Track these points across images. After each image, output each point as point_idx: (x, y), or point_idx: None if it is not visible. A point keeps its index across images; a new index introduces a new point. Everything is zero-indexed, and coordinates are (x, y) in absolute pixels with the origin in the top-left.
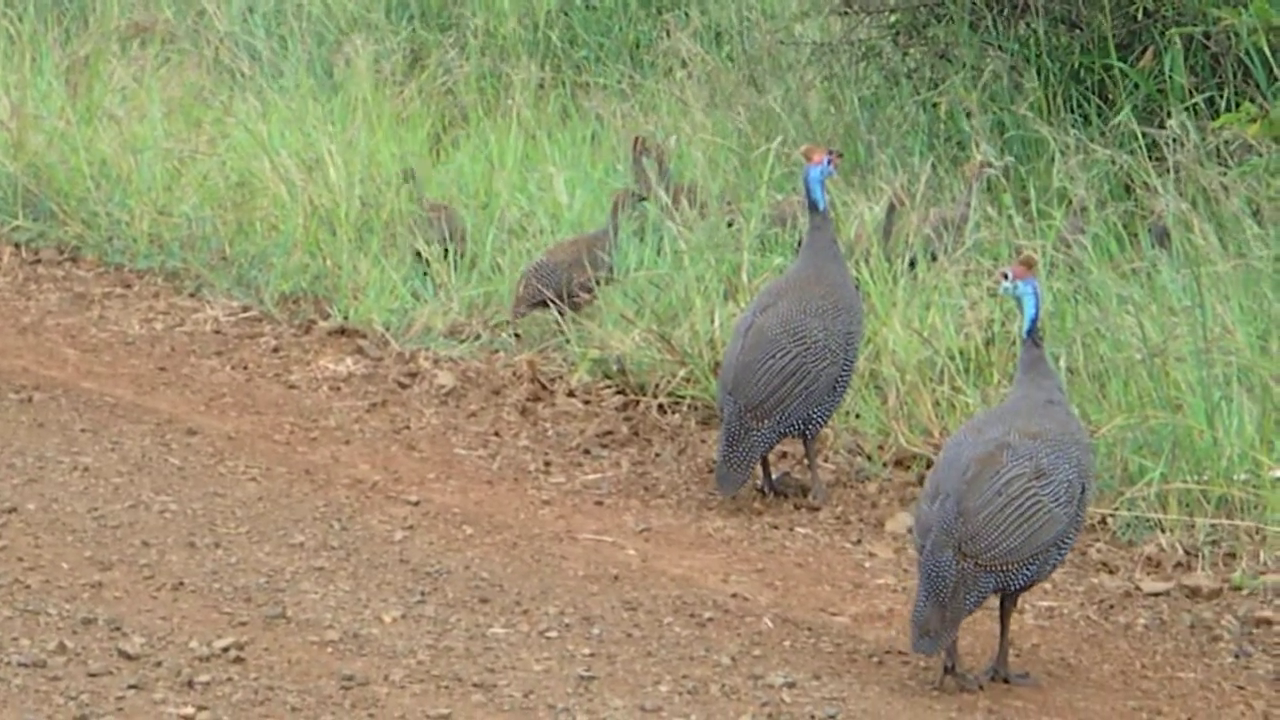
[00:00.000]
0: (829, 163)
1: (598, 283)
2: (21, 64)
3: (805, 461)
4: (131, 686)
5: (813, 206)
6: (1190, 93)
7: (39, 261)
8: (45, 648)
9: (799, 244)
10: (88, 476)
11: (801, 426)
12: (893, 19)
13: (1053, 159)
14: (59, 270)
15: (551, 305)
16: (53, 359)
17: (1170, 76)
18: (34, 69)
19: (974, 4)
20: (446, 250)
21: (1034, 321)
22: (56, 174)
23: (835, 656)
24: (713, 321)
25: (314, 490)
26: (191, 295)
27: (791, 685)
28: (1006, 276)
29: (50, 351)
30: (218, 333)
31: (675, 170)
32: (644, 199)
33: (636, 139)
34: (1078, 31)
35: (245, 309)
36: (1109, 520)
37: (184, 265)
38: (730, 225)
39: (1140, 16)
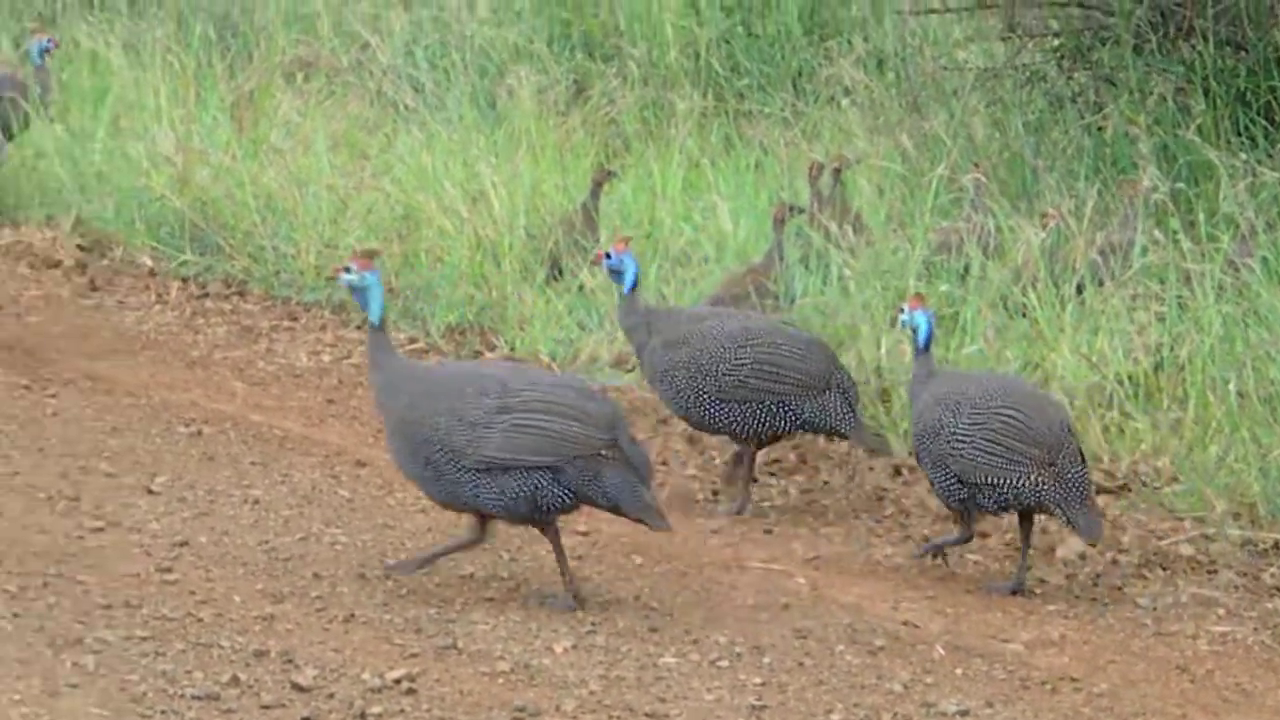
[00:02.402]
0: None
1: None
2: (187, 99)
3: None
4: (304, 719)
5: None
6: None
7: (206, 295)
8: (218, 680)
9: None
10: (258, 509)
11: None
12: (1056, 43)
13: (1220, 182)
14: (226, 304)
15: None
16: (221, 392)
17: None
18: (200, 104)
19: (1139, 27)
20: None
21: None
22: (223, 208)
23: (1008, 684)
24: (879, 348)
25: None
26: (358, 327)
27: (964, 713)
28: (903, 310)
29: (219, 385)
30: None
31: (842, 196)
32: (801, 210)
33: (812, 164)
34: (1244, 54)
35: (412, 340)
36: None
37: (350, 298)
38: (896, 252)
39: None
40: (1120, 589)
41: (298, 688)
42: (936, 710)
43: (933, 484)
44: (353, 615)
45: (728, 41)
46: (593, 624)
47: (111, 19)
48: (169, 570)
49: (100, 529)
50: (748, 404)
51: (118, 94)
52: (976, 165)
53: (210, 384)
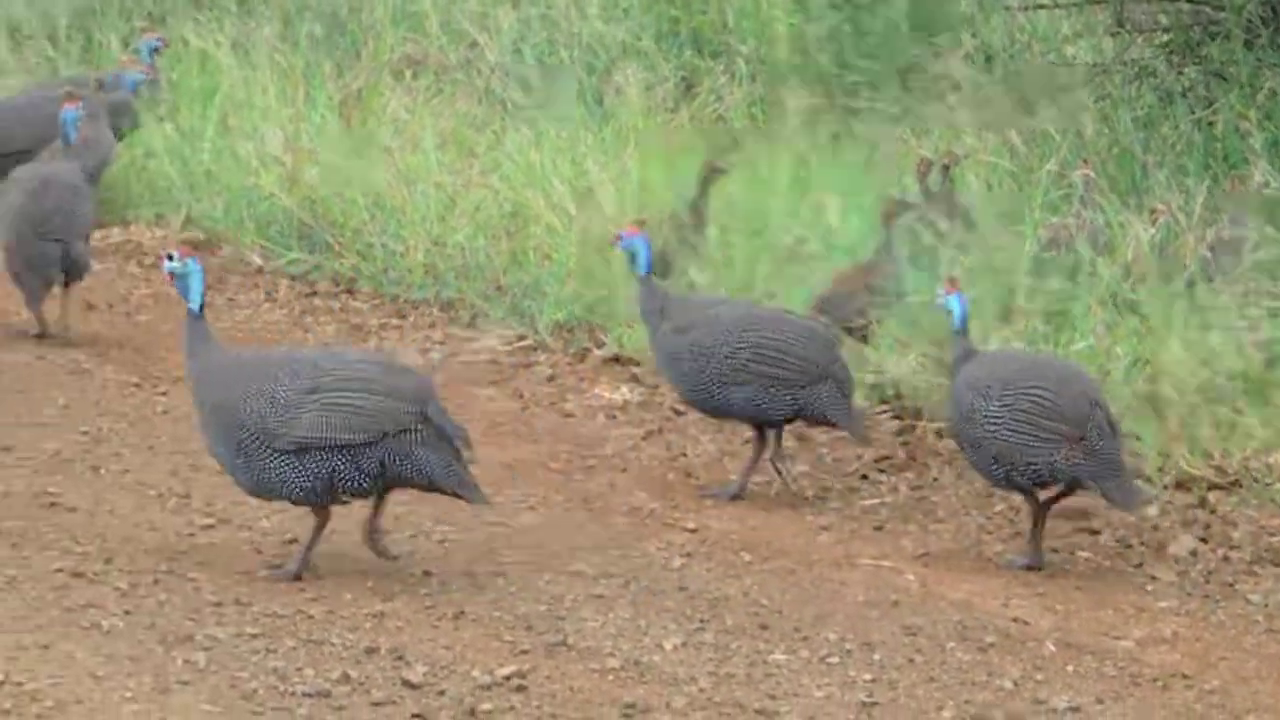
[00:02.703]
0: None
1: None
2: (296, 98)
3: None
4: (415, 715)
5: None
6: None
7: (315, 294)
8: (329, 677)
9: None
10: (368, 507)
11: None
12: (1166, 38)
13: None
14: (335, 302)
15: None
16: None
17: None
18: (308, 103)
19: (1249, 22)
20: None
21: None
22: (331, 207)
23: (1119, 681)
24: (989, 345)
25: (592, 518)
26: (467, 325)
27: (1075, 710)
28: (940, 294)
29: None
30: (493, 362)
31: (950, 192)
32: (910, 206)
33: (921, 160)
34: None
35: (520, 338)
36: None
37: (459, 295)
38: (1005, 249)
39: None
40: (1232, 585)
41: (408, 685)
42: (1047, 707)
43: (973, 465)
44: (463, 612)
45: (836, 38)
46: (702, 621)
47: (220, 18)
48: (279, 567)
49: (211, 526)
50: (747, 388)
51: (226, 93)
52: (1085, 162)
53: None
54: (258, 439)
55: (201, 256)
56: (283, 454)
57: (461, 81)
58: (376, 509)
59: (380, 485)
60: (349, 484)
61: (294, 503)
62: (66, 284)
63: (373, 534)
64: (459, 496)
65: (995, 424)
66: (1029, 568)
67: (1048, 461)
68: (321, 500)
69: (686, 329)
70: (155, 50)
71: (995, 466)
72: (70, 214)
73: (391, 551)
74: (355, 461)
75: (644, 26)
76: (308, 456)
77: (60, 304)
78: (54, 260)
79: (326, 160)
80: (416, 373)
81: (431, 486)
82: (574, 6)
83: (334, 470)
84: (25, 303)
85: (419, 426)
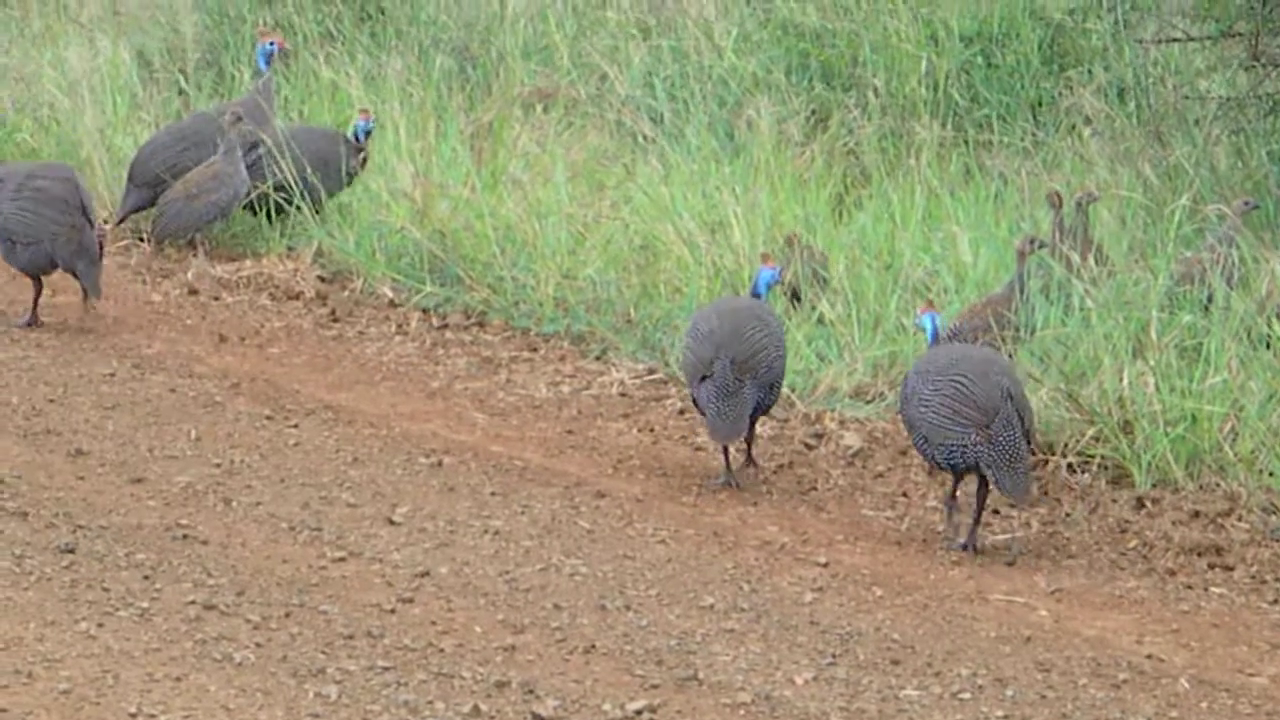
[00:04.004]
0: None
1: (1005, 342)
2: (426, 131)
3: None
4: None
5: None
6: None
7: (446, 326)
8: (460, 711)
9: None
10: (498, 540)
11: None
12: None
13: None
14: (466, 335)
15: None
16: (462, 423)
17: None
18: (439, 136)
19: None
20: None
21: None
22: (462, 240)
23: (1254, 718)
24: (1121, 380)
25: (723, 552)
26: (597, 358)
27: None
28: (918, 315)
29: (459, 416)
30: (624, 395)
31: (1081, 226)
32: (1044, 244)
33: (1052, 192)
34: None
35: (650, 371)
36: None
37: (589, 329)
38: (1138, 283)
39: None
40: None
41: (539, 718)
42: None
43: (914, 444)
44: (593, 646)
45: (968, 72)
46: (833, 655)
47: (351, 50)
48: (410, 600)
49: (342, 559)
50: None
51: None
52: (1226, 199)
53: (450, 415)
54: None
55: None
56: None
57: (592, 114)
58: None
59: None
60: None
61: None
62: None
63: None
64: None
65: (925, 406)
66: (965, 548)
67: (959, 445)
68: None
69: (688, 334)
70: (271, 55)
71: (925, 446)
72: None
73: None
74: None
75: (775, 60)
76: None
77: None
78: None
79: (457, 194)
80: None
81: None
82: (705, 40)
83: None
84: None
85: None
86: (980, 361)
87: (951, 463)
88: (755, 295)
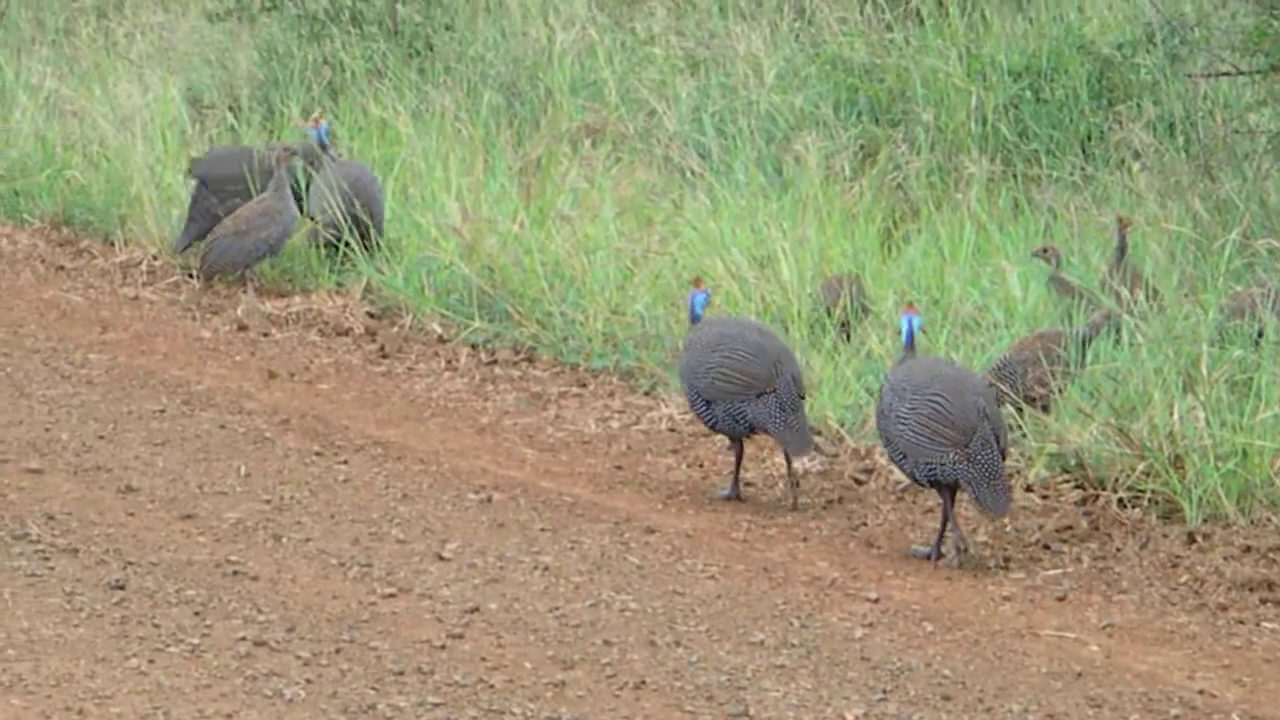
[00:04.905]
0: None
1: (1056, 378)
2: (475, 167)
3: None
4: None
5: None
6: None
7: (495, 362)
8: None
9: None
10: (548, 575)
11: None
12: None
13: None
14: (515, 370)
15: (1009, 403)
16: (511, 459)
17: None
18: (487, 172)
19: None
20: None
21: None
22: (511, 275)
23: None
24: (1172, 414)
25: (773, 587)
26: (646, 394)
27: None
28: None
29: (508, 451)
30: (673, 430)
31: (1131, 261)
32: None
33: (1123, 219)
34: None
35: None
36: None
37: (638, 364)
38: (1187, 318)
39: None
40: None
41: None
42: None
43: (890, 458)
44: (643, 682)
45: (1016, 106)
46: (884, 691)
47: (400, 87)
48: (460, 636)
49: (392, 595)
50: (715, 404)
51: (406, 162)
52: (1276, 233)
53: (500, 450)
54: None
55: None
56: None
57: (640, 150)
58: None
59: None
60: None
61: None
62: None
63: None
64: None
65: (903, 424)
66: (928, 558)
67: (939, 462)
68: None
69: (685, 348)
70: (327, 132)
71: (904, 461)
72: None
73: None
74: None
75: (823, 95)
76: None
77: None
78: None
79: (506, 230)
80: None
81: None
82: (753, 75)
83: None
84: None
85: None
86: (954, 380)
87: (930, 479)
88: (694, 319)
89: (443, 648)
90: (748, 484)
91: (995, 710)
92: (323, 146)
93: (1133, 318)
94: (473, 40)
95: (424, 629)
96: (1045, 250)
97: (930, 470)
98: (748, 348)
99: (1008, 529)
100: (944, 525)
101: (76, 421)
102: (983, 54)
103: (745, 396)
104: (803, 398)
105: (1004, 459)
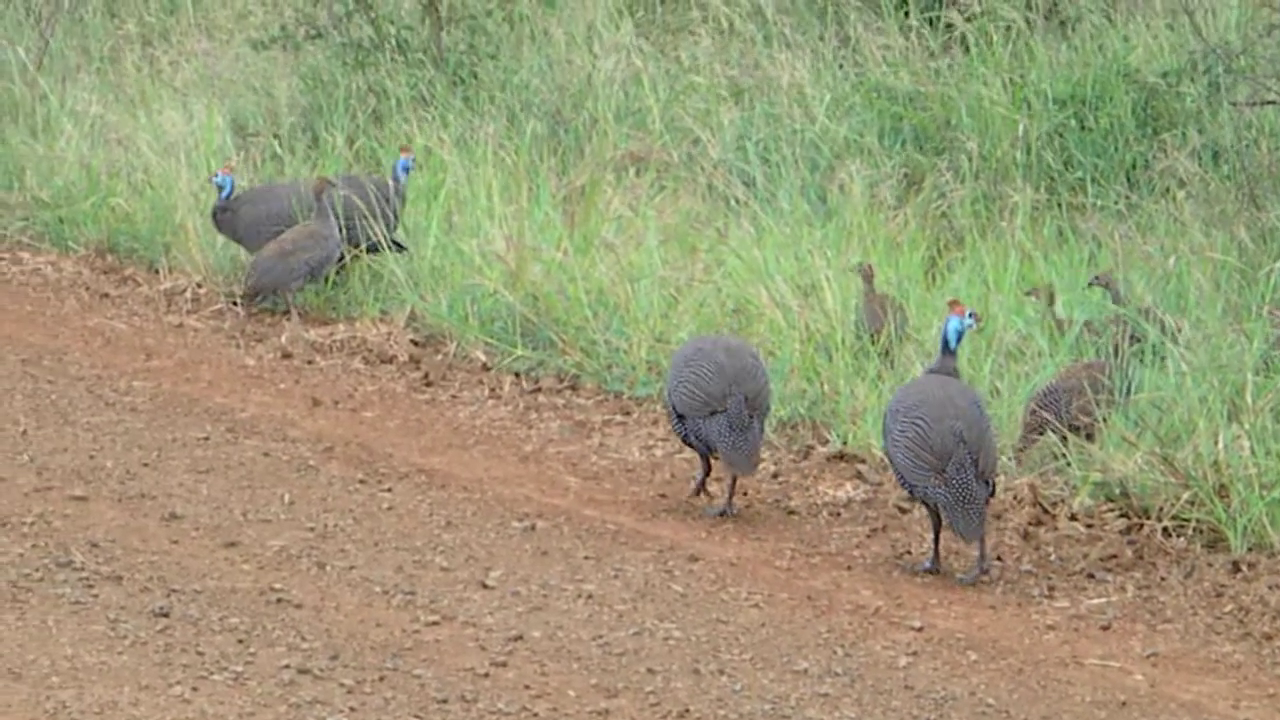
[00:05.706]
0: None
1: (1100, 406)
2: (519, 195)
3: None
4: None
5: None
6: None
7: (539, 390)
8: None
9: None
10: (592, 604)
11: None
12: None
13: None
14: (559, 398)
15: (1053, 431)
16: (555, 487)
17: None
18: (531, 200)
19: None
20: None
21: (955, 339)
22: (554, 303)
23: None
24: (1216, 443)
25: (816, 616)
26: None
27: None
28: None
29: (552, 479)
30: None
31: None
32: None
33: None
34: None
35: None
36: None
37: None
38: (1232, 346)
39: None
40: None
41: None
42: None
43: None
44: (687, 710)
45: (1061, 135)
46: None
47: (445, 115)
48: (504, 664)
49: (435, 623)
50: (685, 418)
51: (450, 190)
52: None
53: (543, 478)
54: None
55: None
56: None
57: (684, 178)
58: None
59: None
60: None
61: None
62: None
63: None
64: None
65: (895, 446)
66: (929, 571)
67: (922, 485)
68: None
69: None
70: (408, 168)
71: (903, 481)
72: None
73: None
74: None
75: (867, 124)
76: None
77: None
78: None
79: (549, 258)
80: None
81: None
82: (797, 104)
83: None
84: None
85: None
86: (938, 404)
87: (920, 499)
88: (395, 179)
89: (486, 676)
90: (791, 511)
91: None
92: (395, 179)
93: (1177, 346)
94: (517, 69)
95: (467, 657)
96: (1099, 278)
97: (924, 491)
98: (711, 366)
99: (1052, 558)
100: (936, 539)
101: (121, 449)
102: (1027, 82)
103: (702, 414)
104: (762, 417)
105: (988, 483)
